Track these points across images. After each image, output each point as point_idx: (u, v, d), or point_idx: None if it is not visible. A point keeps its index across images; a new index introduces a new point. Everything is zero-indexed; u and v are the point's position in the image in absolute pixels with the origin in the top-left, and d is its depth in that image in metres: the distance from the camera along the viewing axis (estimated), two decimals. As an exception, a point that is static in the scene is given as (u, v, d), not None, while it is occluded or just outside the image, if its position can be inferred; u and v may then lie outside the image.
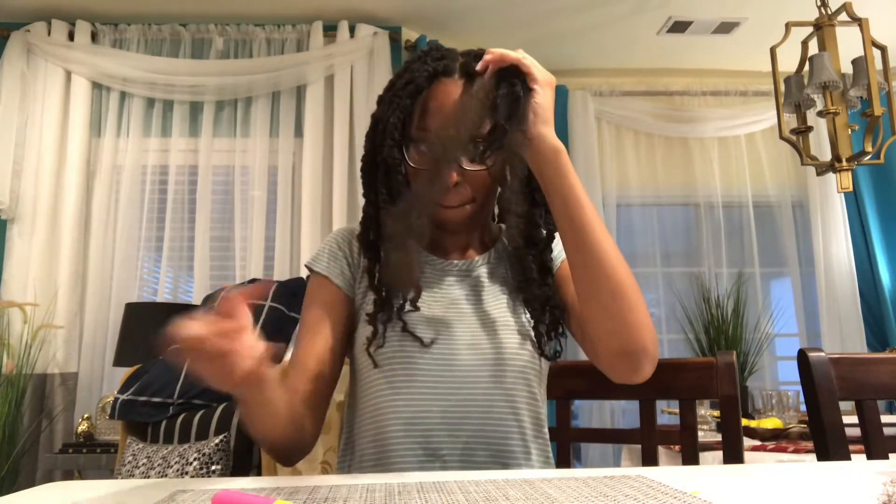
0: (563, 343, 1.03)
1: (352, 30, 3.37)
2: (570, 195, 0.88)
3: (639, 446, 1.17)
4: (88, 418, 2.71)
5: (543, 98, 0.87)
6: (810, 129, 2.72)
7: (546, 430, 1.02)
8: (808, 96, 2.69)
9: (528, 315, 1.00)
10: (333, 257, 1.04)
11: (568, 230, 0.89)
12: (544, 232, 1.02)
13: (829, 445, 1.02)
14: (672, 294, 3.71)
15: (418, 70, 0.95)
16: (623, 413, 3.55)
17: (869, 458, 1.03)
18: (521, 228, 0.99)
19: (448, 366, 0.94)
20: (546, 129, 0.87)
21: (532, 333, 0.99)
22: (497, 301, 1.01)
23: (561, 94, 3.77)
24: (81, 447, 2.62)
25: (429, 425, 0.93)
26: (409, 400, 0.93)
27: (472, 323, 0.98)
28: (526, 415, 0.97)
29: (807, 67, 2.65)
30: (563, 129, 3.74)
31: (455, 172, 0.93)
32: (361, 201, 1.05)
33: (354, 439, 1.00)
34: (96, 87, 3.27)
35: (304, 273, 2.26)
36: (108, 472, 2.52)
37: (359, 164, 1.03)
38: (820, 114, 2.63)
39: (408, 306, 0.96)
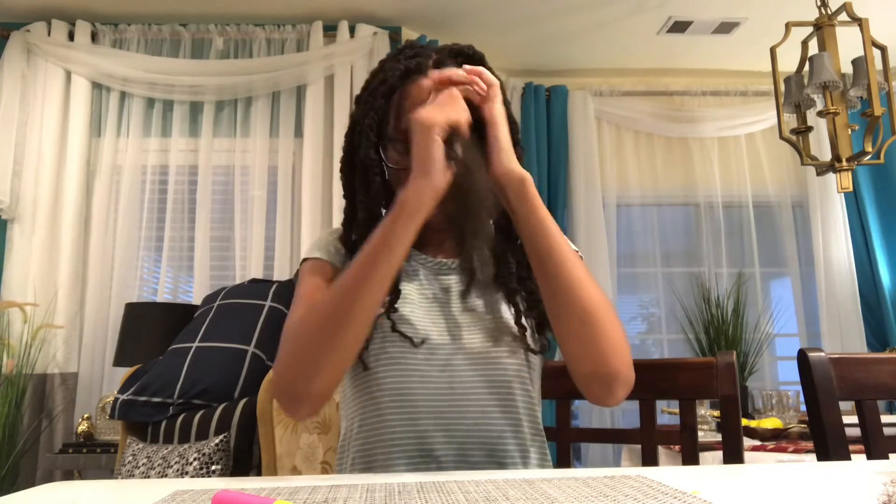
0: (550, 338, 1.02)
1: (352, 30, 3.37)
2: (535, 223, 0.89)
3: (639, 446, 1.17)
4: (88, 418, 2.71)
5: (500, 130, 0.90)
6: (810, 129, 2.72)
7: (542, 428, 1.01)
8: (808, 96, 2.69)
9: (514, 311, 0.99)
10: (329, 249, 1.02)
11: (536, 258, 0.89)
12: None
13: (829, 445, 1.02)
14: (672, 294, 3.71)
15: (392, 69, 0.95)
16: (623, 413, 3.55)
17: (869, 458, 1.03)
18: (491, 228, 0.98)
19: (440, 365, 0.93)
20: (512, 163, 0.89)
21: (519, 329, 0.98)
22: (487, 297, 1.00)
23: (561, 94, 3.77)
24: (81, 447, 2.62)
25: (423, 426, 0.92)
26: (402, 400, 0.93)
27: (462, 320, 0.97)
28: (521, 413, 0.96)
29: (807, 67, 2.65)
30: (563, 129, 3.74)
31: None
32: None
33: (350, 440, 0.99)
34: (96, 87, 3.28)
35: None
36: (108, 472, 2.52)
37: None
38: (820, 114, 2.63)
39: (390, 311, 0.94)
